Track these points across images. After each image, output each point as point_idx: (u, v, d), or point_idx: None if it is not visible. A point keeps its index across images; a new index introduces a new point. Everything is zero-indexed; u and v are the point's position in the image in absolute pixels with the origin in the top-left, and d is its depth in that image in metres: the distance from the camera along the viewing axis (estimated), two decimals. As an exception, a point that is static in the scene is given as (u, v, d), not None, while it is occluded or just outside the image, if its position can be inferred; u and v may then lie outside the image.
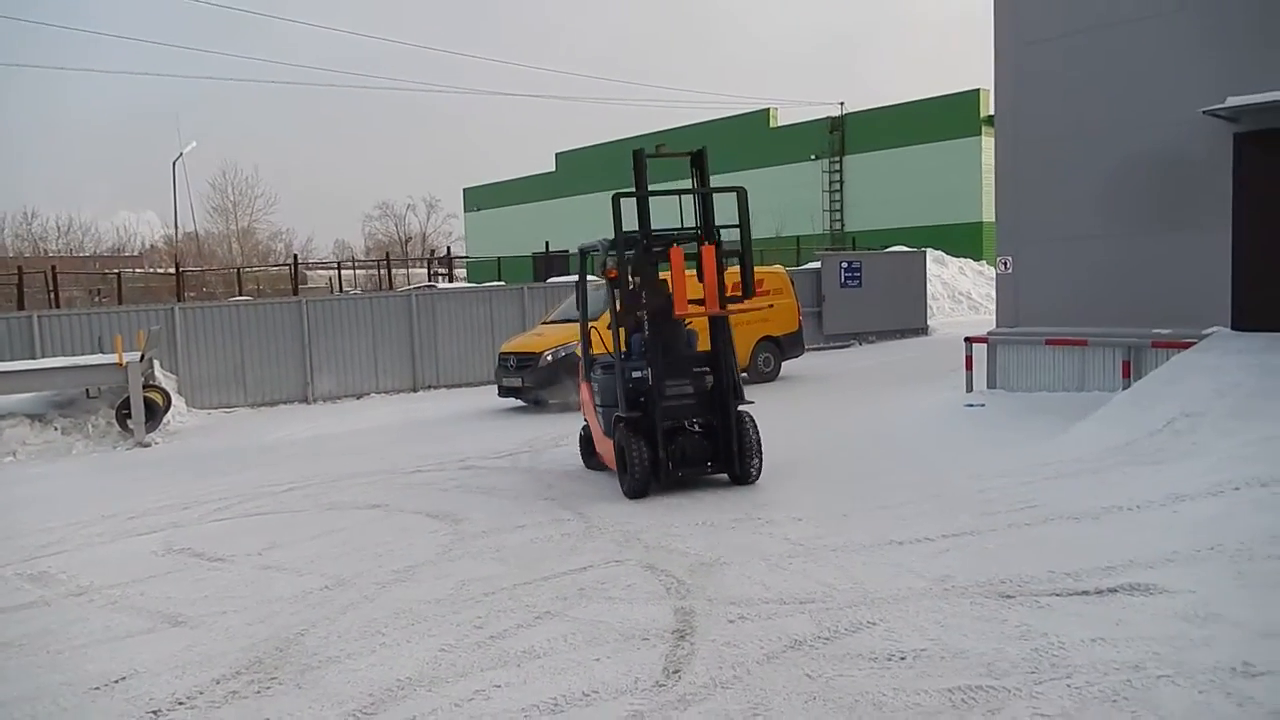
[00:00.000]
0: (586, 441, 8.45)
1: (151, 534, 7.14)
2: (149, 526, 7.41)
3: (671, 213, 7.47)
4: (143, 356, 12.48)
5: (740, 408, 7.21)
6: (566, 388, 12.63)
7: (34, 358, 13.64)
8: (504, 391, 13.64)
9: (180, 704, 3.92)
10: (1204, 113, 9.04)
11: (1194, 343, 9.10)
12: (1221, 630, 3.84)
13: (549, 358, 12.98)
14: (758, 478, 7.23)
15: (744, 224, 7.35)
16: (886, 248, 24.22)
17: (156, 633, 4.87)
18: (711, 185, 7.52)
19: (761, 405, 7.72)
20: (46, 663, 4.54)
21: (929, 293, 22.86)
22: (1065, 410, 9.18)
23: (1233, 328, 9.40)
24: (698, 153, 7.53)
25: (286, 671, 4.18)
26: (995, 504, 6.11)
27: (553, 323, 14.30)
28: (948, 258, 28.00)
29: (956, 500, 6.32)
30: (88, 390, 12.75)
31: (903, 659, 3.79)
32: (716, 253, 7.17)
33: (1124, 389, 9.32)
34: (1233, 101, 8.92)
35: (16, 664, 4.57)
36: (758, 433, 7.24)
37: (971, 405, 10.92)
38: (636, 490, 7.01)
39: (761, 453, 7.27)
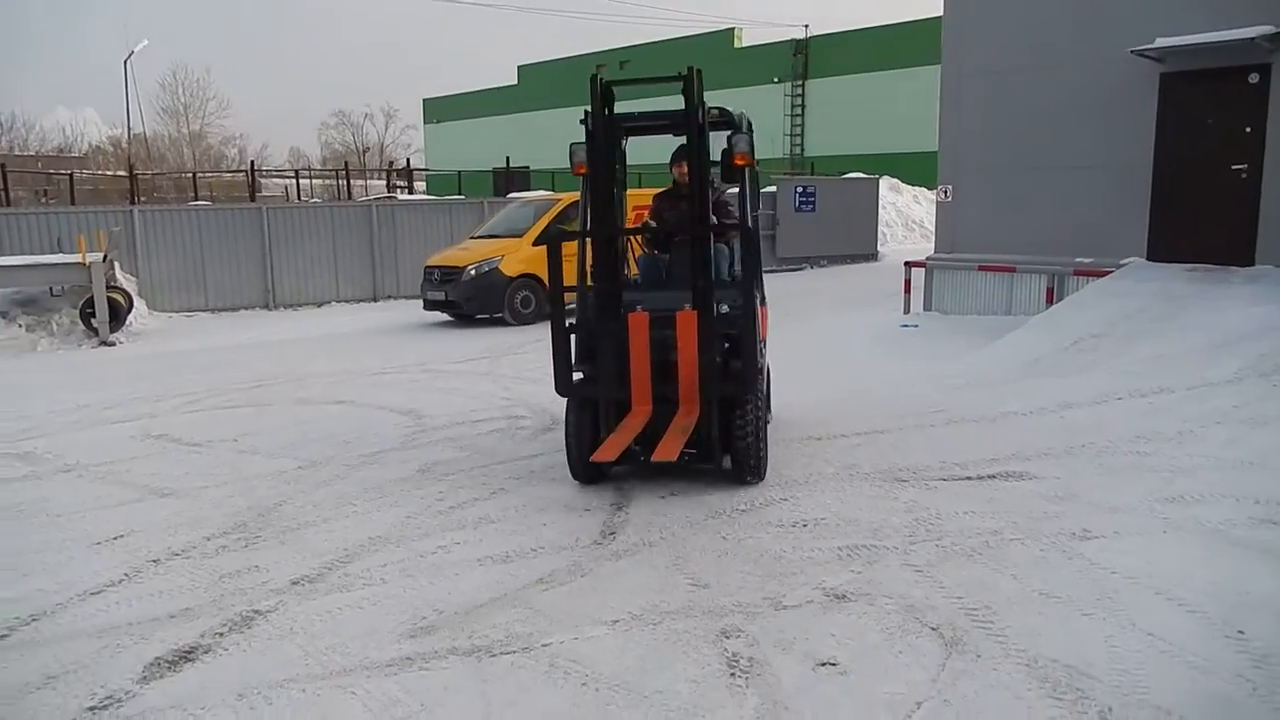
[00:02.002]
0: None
1: (128, 422, 7.58)
2: (124, 416, 7.84)
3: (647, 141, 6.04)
4: (105, 257, 12.66)
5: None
6: (488, 302, 12.97)
7: (-8, 256, 13.71)
8: (429, 305, 13.67)
9: (175, 555, 4.46)
10: (1132, 52, 9.58)
11: (1111, 271, 9.83)
12: (1073, 507, 4.54)
13: (472, 272, 12.99)
14: (760, 476, 5.13)
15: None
16: (844, 174, 24.66)
17: (146, 502, 5.38)
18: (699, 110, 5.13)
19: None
20: (48, 523, 5.04)
21: (883, 220, 23.45)
22: (992, 332, 9.87)
23: (1148, 259, 10.13)
24: (688, 75, 5.00)
25: (269, 532, 4.73)
26: (908, 409, 6.79)
27: (480, 237, 14.22)
28: (903, 185, 28.54)
29: (874, 406, 6.99)
30: (51, 289, 12.92)
31: (804, 525, 4.45)
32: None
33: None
34: (1161, 42, 9.46)
35: (19, 526, 5.06)
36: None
37: (906, 326, 11.62)
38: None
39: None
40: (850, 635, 3.33)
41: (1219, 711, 2.75)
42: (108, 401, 8.44)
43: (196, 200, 23.60)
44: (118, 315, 12.76)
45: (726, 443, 5.02)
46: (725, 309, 5.20)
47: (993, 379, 7.62)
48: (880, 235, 23.03)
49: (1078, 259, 10.43)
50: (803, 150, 35.27)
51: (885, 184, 24.89)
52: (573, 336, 5.21)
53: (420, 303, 13.95)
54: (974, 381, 7.58)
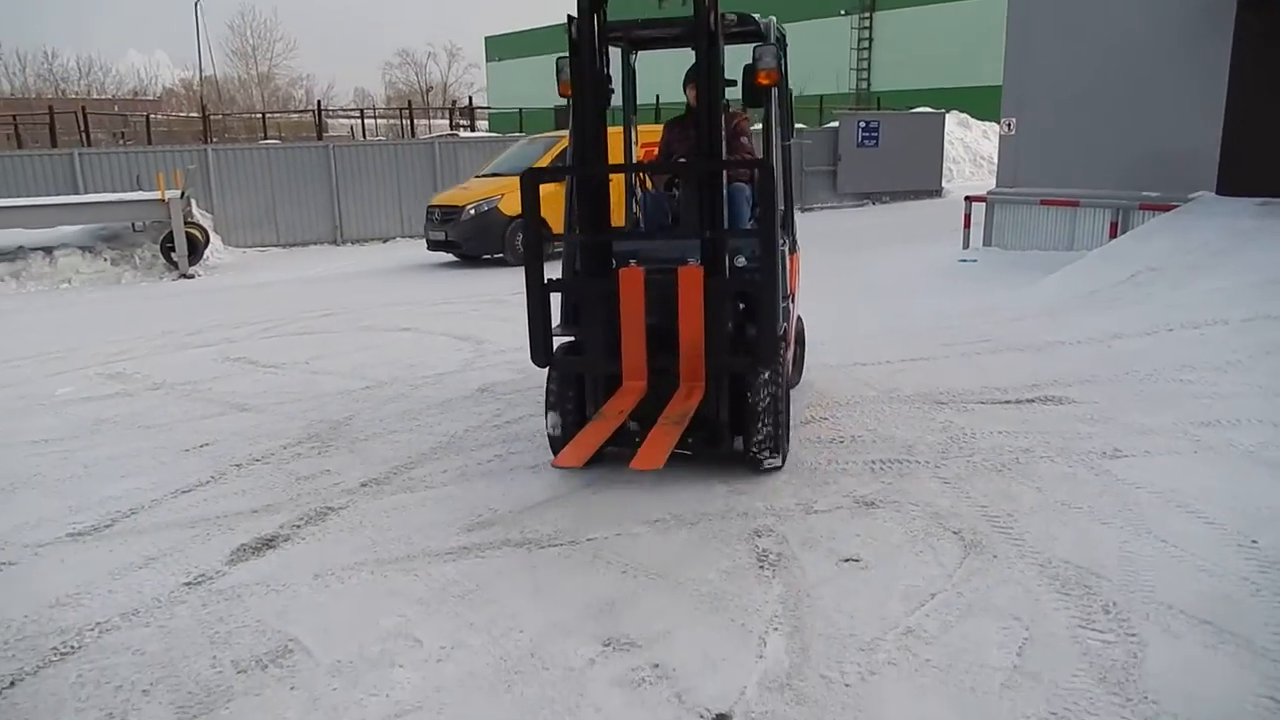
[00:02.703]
0: None
1: (208, 347, 8.06)
2: (205, 341, 8.33)
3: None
4: (183, 194, 13.21)
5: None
6: (487, 242, 12.76)
7: (76, 194, 14.39)
8: (431, 245, 13.42)
9: (256, 461, 4.86)
10: (1208, -22, 9.25)
11: (1178, 206, 9.62)
12: (1107, 428, 4.64)
13: (471, 212, 12.75)
14: (782, 460, 4.25)
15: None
16: (911, 109, 24.14)
17: (227, 416, 5.80)
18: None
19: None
20: (140, 434, 5.49)
21: (950, 156, 22.96)
22: (1051, 267, 9.79)
23: (1217, 193, 9.87)
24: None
25: (339, 442, 5.10)
26: (955, 339, 6.87)
27: (485, 176, 13.91)
28: (972, 121, 27.76)
29: (921, 335, 7.08)
30: (133, 224, 13.55)
31: (841, 442, 4.64)
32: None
33: (1105, 247, 9.91)
34: (1238, -32, 9.12)
35: (115, 434, 5.52)
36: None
37: (964, 261, 11.56)
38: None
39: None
40: (874, 536, 3.54)
41: (1220, 608, 2.90)
42: (189, 329, 8.95)
43: (265, 140, 24.18)
44: (195, 249, 13.35)
45: (738, 424, 4.15)
46: (742, 262, 4.39)
47: (1044, 311, 7.62)
48: (946, 171, 22.58)
49: (1144, 193, 10.21)
50: (869, 85, 34.46)
51: (953, 119, 24.30)
52: (556, 296, 4.26)
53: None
54: (1025, 313, 7.60)
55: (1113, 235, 10.37)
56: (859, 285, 10.30)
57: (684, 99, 4.70)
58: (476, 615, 3.08)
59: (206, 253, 13.88)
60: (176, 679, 2.79)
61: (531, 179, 3.95)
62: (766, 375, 4.04)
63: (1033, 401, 5.18)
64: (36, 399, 6.43)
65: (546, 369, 4.30)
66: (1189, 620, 2.84)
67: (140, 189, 14.21)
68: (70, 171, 14.93)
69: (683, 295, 3.89)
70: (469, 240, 12.93)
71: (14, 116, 25.58)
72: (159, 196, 12.87)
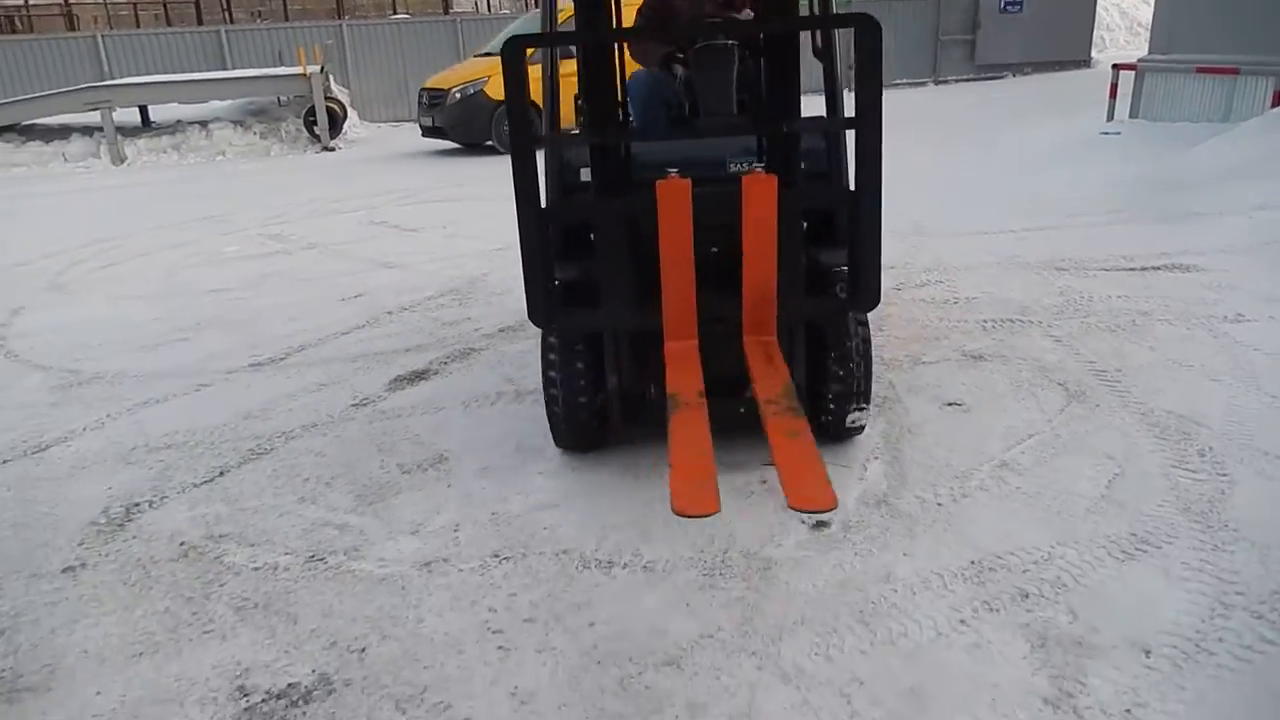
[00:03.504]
0: None
1: (353, 212, 8.62)
2: (350, 207, 8.89)
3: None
4: (322, 69, 13.75)
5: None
6: (473, 128, 11.91)
7: (224, 70, 15.17)
8: (424, 131, 12.78)
9: (404, 309, 5.34)
10: None
11: (1352, 72, 8.86)
12: (1232, 295, 4.58)
13: (457, 95, 11.97)
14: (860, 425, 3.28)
15: None
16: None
17: (375, 272, 6.32)
18: None
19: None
20: (301, 285, 6.06)
21: (1103, 22, 21.36)
22: (1202, 139, 9.22)
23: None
24: None
25: (477, 295, 5.52)
26: (1086, 208, 6.71)
27: (482, 55, 12.97)
28: (1131, -18, 25.57)
29: (1052, 205, 6.93)
30: (278, 99, 14.24)
31: (955, 303, 4.75)
32: None
33: (1265, 118, 9.25)
34: None
35: (279, 286, 6.10)
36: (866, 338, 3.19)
37: (1107, 133, 10.96)
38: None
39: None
40: (979, 386, 3.71)
41: (1320, 457, 2.98)
42: (334, 196, 9.55)
43: (395, 15, 24.54)
44: (335, 123, 13.96)
45: (814, 382, 3.16)
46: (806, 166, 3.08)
47: (1186, 182, 7.29)
48: (1098, 40, 21.04)
49: (1315, 58, 9.41)
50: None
51: (1109, -19, 22.46)
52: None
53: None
54: (1165, 184, 7.29)
55: (1276, 105, 9.64)
56: (990, 157, 9.98)
57: None
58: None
59: (345, 126, 14.48)
60: (353, 475, 3.28)
61: (514, 50, 2.52)
62: (858, 324, 3.09)
63: (1159, 269, 5.11)
64: (209, 256, 7.12)
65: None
66: (1285, 466, 2.94)
67: (282, 64, 14.85)
68: (218, 47, 15.71)
69: (750, 214, 2.71)
70: (455, 127, 12.18)
71: (162, -4, 26.69)
72: (300, 72, 13.45)
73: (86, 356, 4.78)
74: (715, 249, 2.91)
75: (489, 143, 12.05)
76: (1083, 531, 2.64)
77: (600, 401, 3.15)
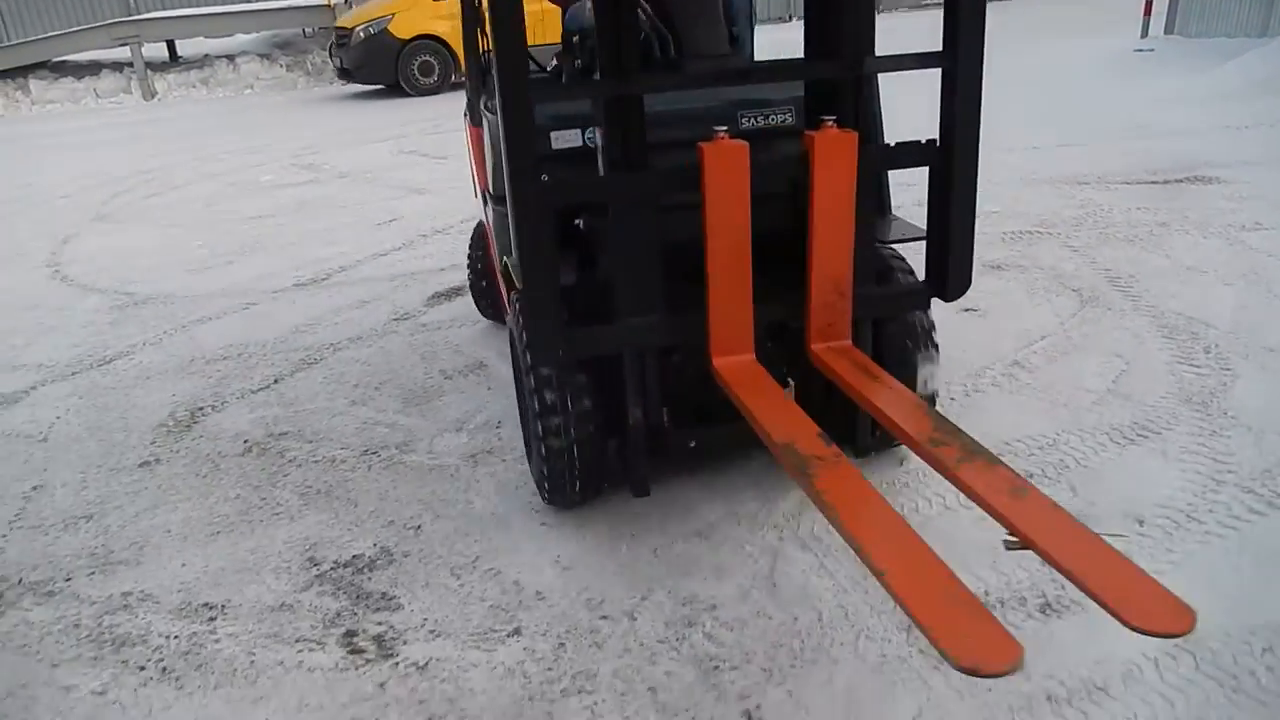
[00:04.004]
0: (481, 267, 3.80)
1: (383, 142, 8.75)
2: (378, 138, 9.02)
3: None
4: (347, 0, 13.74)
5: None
6: (379, 69, 11.33)
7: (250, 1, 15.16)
8: (337, 73, 12.25)
9: (437, 232, 5.51)
10: None
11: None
12: (1251, 204, 4.63)
13: (361, 34, 11.32)
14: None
15: None
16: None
17: (407, 198, 6.48)
18: None
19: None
20: (337, 211, 6.24)
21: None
22: (1237, 55, 9.07)
23: None
24: None
25: (508, 218, 5.67)
26: (1112, 124, 6.69)
27: None
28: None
29: (1078, 121, 6.92)
30: (304, 30, 14.28)
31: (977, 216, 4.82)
32: None
33: (1303, 30, 9.07)
34: None
35: (315, 212, 6.29)
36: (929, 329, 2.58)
37: (1140, 50, 10.78)
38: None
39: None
40: (996, 293, 3.83)
41: (1324, 352, 3.09)
42: (362, 126, 9.68)
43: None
44: (359, 55, 13.98)
45: None
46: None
47: (1215, 96, 7.24)
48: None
49: (1358, -34, 9.17)
50: None
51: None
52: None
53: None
54: (1193, 99, 7.25)
55: (1316, 17, 9.44)
56: (1021, 75, 9.85)
57: None
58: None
59: (369, 58, 14.51)
60: (399, 380, 3.49)
61: None
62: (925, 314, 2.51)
63: (1180, 181, 5.16)
64: (246, 185, 7.31)
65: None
66: (1288, 361, 3.06)
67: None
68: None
69: (823, 182, 2.06)
70: (360, 68, 11.57)
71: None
72: (325, 2, 13.44)
73: (138, 280, 5.01)
74: (781, 229, 2.19)
75: (400, 85, 11.54)
76: (1088, 421, 2.80)
77: (613, 446, 2.37)
